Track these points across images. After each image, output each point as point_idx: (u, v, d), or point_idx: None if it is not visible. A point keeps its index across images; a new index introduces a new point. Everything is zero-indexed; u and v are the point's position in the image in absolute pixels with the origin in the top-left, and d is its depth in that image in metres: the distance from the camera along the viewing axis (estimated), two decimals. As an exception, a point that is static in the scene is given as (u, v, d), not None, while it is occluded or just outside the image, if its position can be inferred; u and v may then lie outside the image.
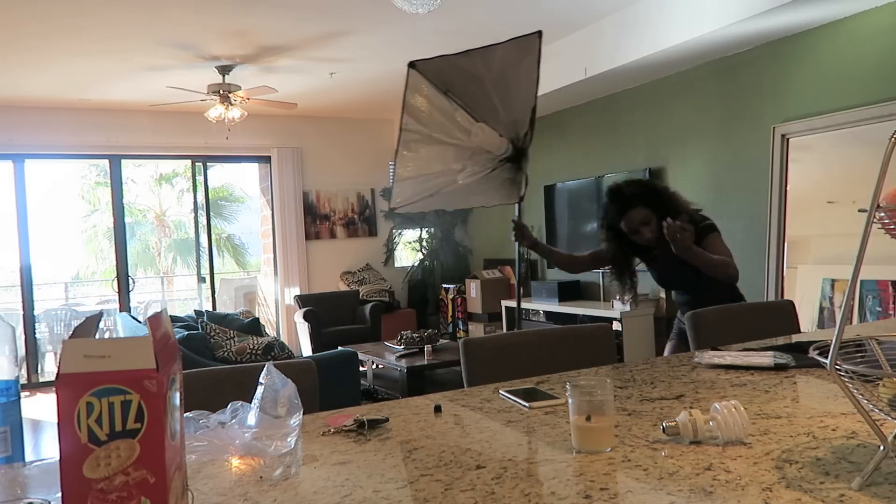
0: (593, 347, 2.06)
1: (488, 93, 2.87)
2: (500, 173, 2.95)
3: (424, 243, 8.16)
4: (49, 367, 7.93)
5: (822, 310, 4.09)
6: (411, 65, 2.90)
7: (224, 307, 8.87)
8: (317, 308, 6.96)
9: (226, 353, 4.52)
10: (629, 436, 1.18)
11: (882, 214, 0.92)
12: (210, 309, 7.11)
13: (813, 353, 1.01)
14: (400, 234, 8.26)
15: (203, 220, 7.78)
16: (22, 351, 6.74)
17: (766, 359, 1.67)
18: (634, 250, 2.75)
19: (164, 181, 15.00)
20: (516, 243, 2.91)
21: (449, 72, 2.89)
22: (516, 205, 2.95)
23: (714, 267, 2.48)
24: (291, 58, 5.51)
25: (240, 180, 14.56)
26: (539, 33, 2.75)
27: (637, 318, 5.18)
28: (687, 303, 2.74)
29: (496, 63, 2.83)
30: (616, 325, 5.08)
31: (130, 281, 7.36)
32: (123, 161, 7.40)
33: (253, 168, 8.35)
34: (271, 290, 8.05)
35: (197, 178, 7.85)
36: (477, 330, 7.10)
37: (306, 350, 6.85)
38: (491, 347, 2.02)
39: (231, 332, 4.76)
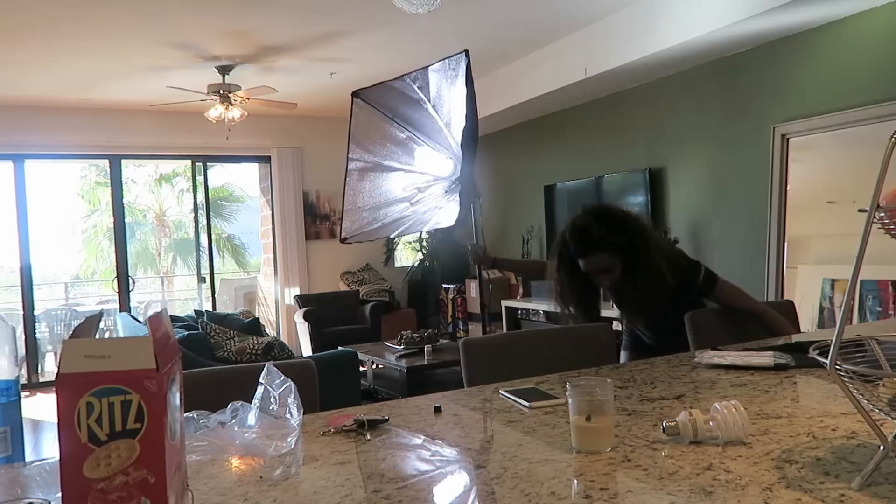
0: (593, 347, 2.06)
1: (432, 115, 2.84)
2: (452, 196, 2.91)
3: (424, 243, 8.16)
4: (49, 367, 7.93)
5: (822, 310, 4.09)
6: (355, 94, 2.89)
7: (224, 307, 8.87)
8: (317, 308, 6.95)
9: (226, 353, 4.52)
10: (629, 436, 1.18)
11: (882, 214, 0.92)
12: (210, 309, 7.12)
13: (813, 353, 1.01)
14: (400, 234, 8.25)
15: (203, 220, 7.78)
16: (22, 351, 6.74)
17: (766, 359, 1.67)
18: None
19: (164, 181, 15.01)
20: (477, 266, 2.87)
21: (392, 97, 2.87)
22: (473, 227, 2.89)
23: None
24: (291, 58, 5.51)
25: (240, 180, 14.57)
26: (465, 52, 2.70)
27: (637, 318, 5.17)
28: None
29: (432, 85, 2.79)
30: (616, 325, 5.07)
31: (130, 281, 7.36)
32: (123, 161, 7.40)
33: (253, 168, 8.35)
34: (271, 290, 8.05)
35: (197, 178, 7.85)
36: (477, 330, 7.09)
37: (306, 350, 6.85)
38: (491, 347, 2.02)
39: (231, 332, 4.76)
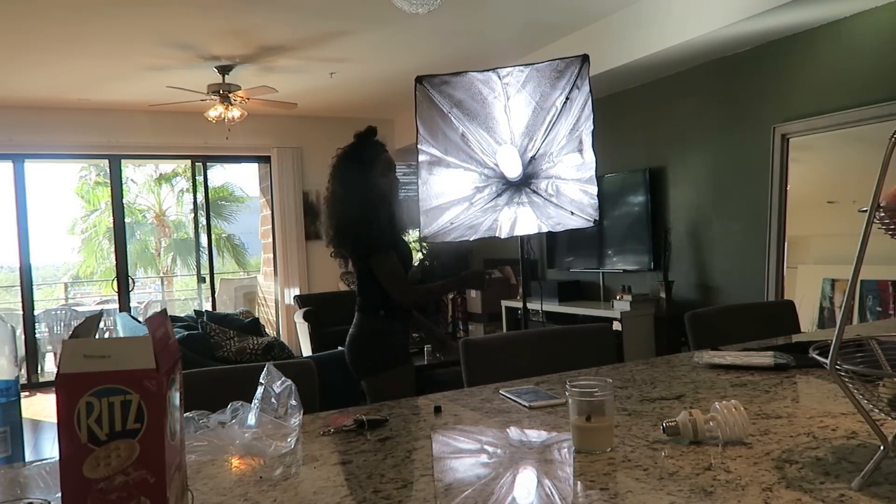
0: (593, 347, 2.06)
1: (499, 114, 2.72)
2: (507, 198, 2.81)
3: (425, 243, 8.16)
4: (49, 367, 7.93)
5: (822, 310, 4.08)
6: (419, 80, 2.73)
7: (224, 307, 8.86)
8: (317, 308, 6.95)
9: (226, 353, 4.51)
10: (629, 436, 1.18)
11: (882, 214, 0.92)
12: (210, 309, 7.11)
13: (813, 353, 1.01)
14: (400, 234, 8.23)
15: (203, 220, 7.78)
16: (22, 351, 6.74)
17: (767, 359, 1.67)
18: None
19: (164, 181, 15.01)
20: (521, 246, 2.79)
21: (460, 88, 2.74)
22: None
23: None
24: (291, 58, 5.51)
25: (240, 180, 14.59)
26: (585, 57, 2.56)
27: (637, 318, 5.18)
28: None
29: (529, 83, 2.67)
30: (616, 325, 5.08)
31: (130, 281, 7.36)
32: (123, 161, 7.40)
33: (253, 168, 8.35)
34: (271, 290, 8.04)
35: (197, 178, 7.85)
36: (477, 330, 7.09)
37: (306, 350, 6.84)
38: (491, 347, 2.02)
39: (231, 332, 4.76)
